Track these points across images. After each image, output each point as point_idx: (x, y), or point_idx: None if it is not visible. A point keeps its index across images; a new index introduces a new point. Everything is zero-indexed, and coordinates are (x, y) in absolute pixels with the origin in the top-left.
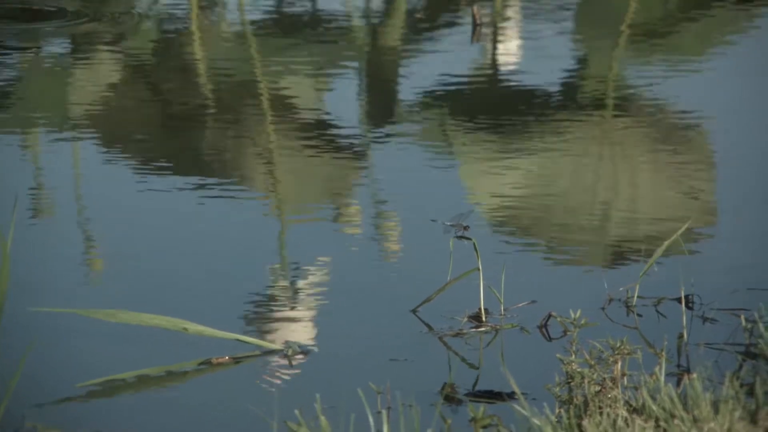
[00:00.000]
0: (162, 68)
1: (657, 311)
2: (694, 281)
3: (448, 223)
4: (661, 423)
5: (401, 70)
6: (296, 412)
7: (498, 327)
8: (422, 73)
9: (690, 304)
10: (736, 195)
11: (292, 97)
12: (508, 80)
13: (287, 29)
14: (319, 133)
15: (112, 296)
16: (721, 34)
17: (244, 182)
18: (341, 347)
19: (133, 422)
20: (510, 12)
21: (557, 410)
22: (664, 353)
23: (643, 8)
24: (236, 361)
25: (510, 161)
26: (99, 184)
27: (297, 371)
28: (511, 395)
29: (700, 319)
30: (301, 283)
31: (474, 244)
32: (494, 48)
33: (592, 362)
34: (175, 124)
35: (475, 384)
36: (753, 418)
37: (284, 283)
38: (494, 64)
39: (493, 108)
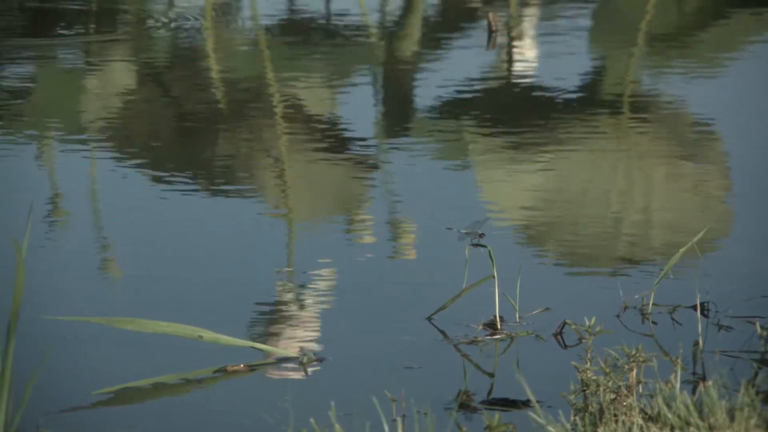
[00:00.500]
0: (174, 75)
1: (672, 319)
2: (708, 289)
3: (464, 231)
4: (677, 431)
5: (417, 77)
6: (311, 420)
7: (513, 334)
8: (438, 79)
9: (705, 312)
10: (751, 202)
11: (305, 104)
12: (524, 87)
13: (301, 35)
14: (334, 140)
15: (126, 304)
16: (738, 40)
17: (258, 190)
18: (356, 355)
19: (148, 430)
20: (526, 19)
21: (572, 418)
22: (679, 361)
23: (660, 16)
24: (251, 368)
25: (526, 167)
26: (113, 192)
27: (312, 379)
28: (527, 403)
29: (715, 327)
30: (315, 291)
31: (489, 251)
32: (510, 54)
33: (608, 370)
34: (188, 131)
35: (491, 392)
36: None
37: (298, 290)
38: (510, 70)
39: (509, 114)
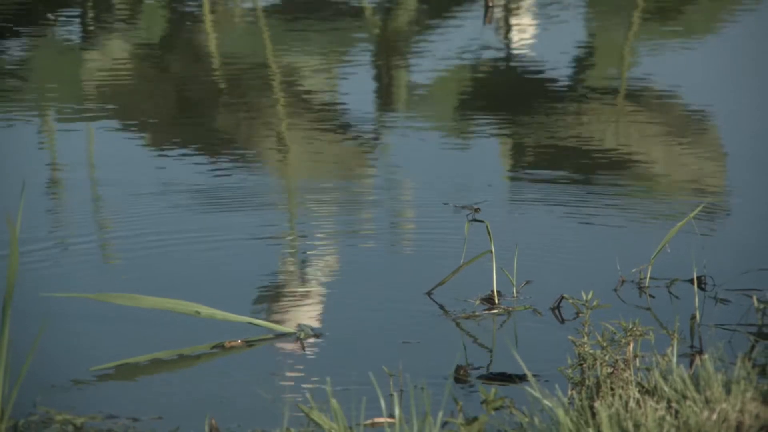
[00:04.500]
0: (173, 51)
1: (669, 292)
2: (706, 262)
3: (459, 206)
4: (673, 404)
5: (413, 52)
6: (307, 395)
7: (511, 309)
8: (434, 54)
9: (702, 285)
10: (746, 176)
11: (304, 79)
12: (520, 62)
13: (299, 11)
14: (331, 115)
15: (124, 280)
16: (728, 12)
17: (257, 164)
18: (354, 330)
19: (145, 405)
20: None
21: (569, 392)
22: (676, 334)
23: None
24: (249, 344)
25: (523, 140)
26: (113, 168)
27: (309, 354)
28: (524, 377)
29: (712, 300)
30: (313, 266)
31: (487, 226)
32: (506, 29)
33: (605, 344)
34: (188, 107)
35: (488, 366)
36: (765, 399)
37: (296, 265)
38: (506, 45)
39: (504, 89)
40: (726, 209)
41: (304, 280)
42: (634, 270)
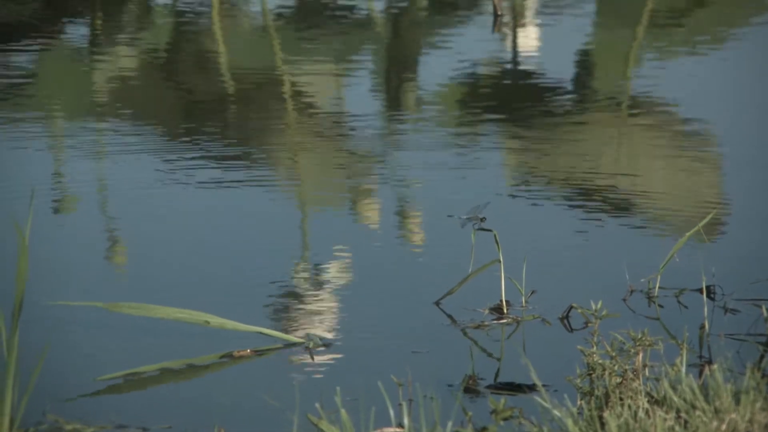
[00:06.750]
0: (182, 58)
1: (678, 302)
2: (715, 272)
3: (465, 217)
4: (682, 414)
5: (421, 59)
6: (316, 405)
7: (519, 319)
8: (442, 62)
9: (711, 295)
10: (756, 185)
11: (311, 85)
12: (528, 70)
13: (307, 16)
14: (338, 121)
15: (133, 289)
16: (734, 20)
17: (266, 172)
18: (363, 339)
19: (154, 415)
20: (530, 2)
21: (578, 402)
22: (685, 344)
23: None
24: (258, 353)
25: (530, 148)
26: (120, 177)
27: (318, 364)
28: (532, 387)
29: (721, 310)
30: (322, 275)
31: (494, 235)
32: (515, 37)
33: (614, 354)
34: (196, 114)
35: (497, 376)
36: None
37: (306, 275)
38: (514, 53)
39: (511, 97)
40: (735, 219)
41: (312, 290)
42: (642, 280)
